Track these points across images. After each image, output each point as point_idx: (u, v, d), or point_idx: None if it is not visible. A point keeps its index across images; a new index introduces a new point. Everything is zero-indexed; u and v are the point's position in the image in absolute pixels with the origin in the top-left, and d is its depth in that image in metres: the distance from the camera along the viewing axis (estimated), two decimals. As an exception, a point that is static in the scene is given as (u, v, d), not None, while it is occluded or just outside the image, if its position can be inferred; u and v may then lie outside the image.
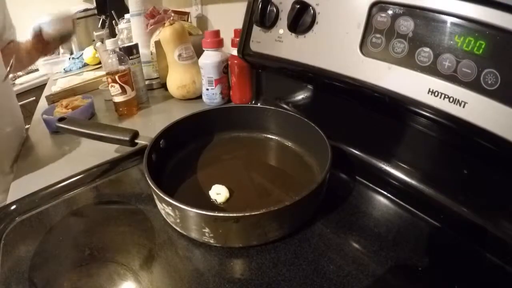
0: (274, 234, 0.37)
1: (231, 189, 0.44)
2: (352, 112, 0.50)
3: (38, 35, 0.77)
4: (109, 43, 0.71)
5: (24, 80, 1.89)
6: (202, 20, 1.13)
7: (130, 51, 0.78)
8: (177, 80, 0.79)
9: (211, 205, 0.42)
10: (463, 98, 0.32)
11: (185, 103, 0.81)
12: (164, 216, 0.40)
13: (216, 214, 0.34)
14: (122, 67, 0.72)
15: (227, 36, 0.70)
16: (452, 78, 0.33)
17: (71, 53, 1.58)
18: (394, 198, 0.43)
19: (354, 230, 0.39)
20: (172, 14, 0.91)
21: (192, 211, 0.34)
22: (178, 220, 0.37)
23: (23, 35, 0.81)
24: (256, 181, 0.48)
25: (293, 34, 0.48)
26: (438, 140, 0.40)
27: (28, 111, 1.89)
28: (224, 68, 0.72)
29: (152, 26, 0.90)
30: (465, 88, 0.32)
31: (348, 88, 0.45)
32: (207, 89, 0.74)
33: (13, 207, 0.46)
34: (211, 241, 0.36)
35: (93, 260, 0.37)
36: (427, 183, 0.42)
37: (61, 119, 0.53)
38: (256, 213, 0.33)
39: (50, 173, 0.54)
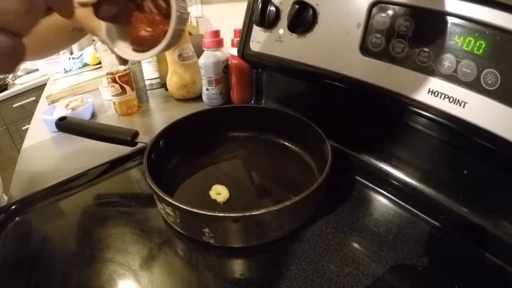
0: (274, 234, 0.37)
1: (231, 189, 0.44)
2: (352, 112, 0.50)
3: None
4: (109, 43, 0.71)
5: (24, 80, 1.89)
6: (202, 20, 1.13)
7: (130, 51, 0.78)
8: (177, 80, 0.79)
9: (211, 205, 0.42)
10: (463, 98, 0.32)
11: (185, 103, 0.81)
12: (164, 216, 0.40)
13: (216, 214, 0.34)
14: (122, 67, 0.71)
15: (227, 36, 0.70)
16: (452, 78, 0.33)
17: (71, 53, 1.58)
18: (394, 198, 0.43)
19: (354, 230, 0.39)
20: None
21: (192, 211, 0.34)
22: (178, 220, 0.37)
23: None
24: (256, 181, 0.48)
25: (293, 34, 0.48)
26: (438, 140, 0.39)
27: (28, 111, 1.90)
28: (224, 68, 0.72)
29: (152, 26, 0.89)
30: (465, 88, 0.32)
31: (348, 88, 0.45)
32: (207, 89, 0.74)
33: (13, 207, 0.45)
34: (211, 241, 0.36)
35: (93, 260, 0.37)
36: (427, 183, 0.42)
37: (61, 119, 0.53)
38: (256, 213, 0.33)
39: (50, 173, 0.54)
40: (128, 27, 0.32)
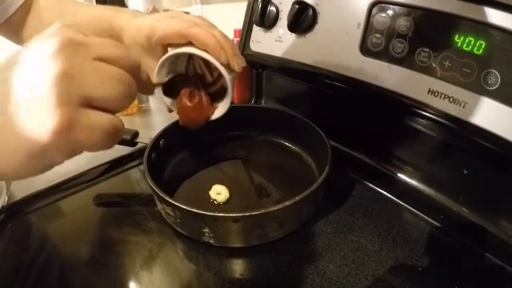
0: (274, 234, 0.37)
1: (231, 189, 0.44)
2: (352, 112, 0.50)
3: None
4: (109, 43, 0.71)
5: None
6: (202, 20, 1.13)
7: (130, 51, 0.78)
8: (177, 80, 0.79)
9: (211, 205, 0.42)
10: (463, 98, 0.32)
11: (185, 103, 0.81)
12: (164, 216, 0.40)
13: (216, 214, 0.34)
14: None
15: (227, 36, 0.70)
16: (452, 78, 0.33)
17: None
18: (394, 198, 0.43)
19: (354, 230, 0.39)
20: (172, 14, 0.91)
21: (192, 211, 0.34)
22: (178, 220, 0.37)
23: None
24: (256, 181, 0.48)
25: (293, 34, 0.48)
26: (438, 140, 0.40)
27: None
28: (224, 68, 0.72)
29: (152, 26, 0.89)
30: (465, 88, 0.32)
31: (348, 88, 0.45)
32: (207, 89, 0.74)
33: (13, 207, 0.45)
34: (211, 241, 0.36)
35: (93, 260, 0.37)
36: (427, 183, 0.42)
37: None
38: (256, 213, 0.33)
39: (50, 173, 0.54)
40: (178, 106, 0.38)
